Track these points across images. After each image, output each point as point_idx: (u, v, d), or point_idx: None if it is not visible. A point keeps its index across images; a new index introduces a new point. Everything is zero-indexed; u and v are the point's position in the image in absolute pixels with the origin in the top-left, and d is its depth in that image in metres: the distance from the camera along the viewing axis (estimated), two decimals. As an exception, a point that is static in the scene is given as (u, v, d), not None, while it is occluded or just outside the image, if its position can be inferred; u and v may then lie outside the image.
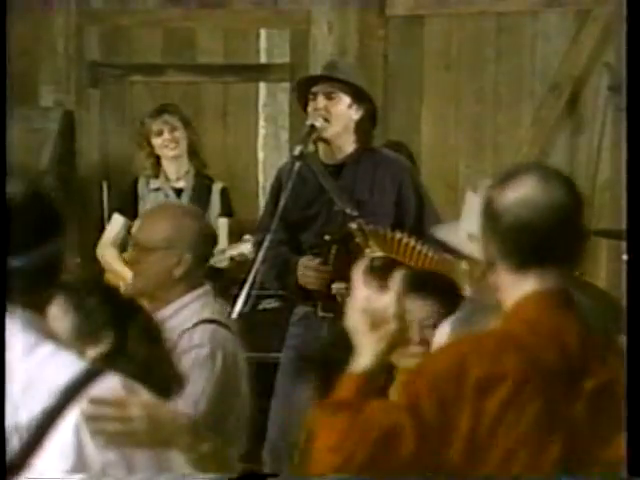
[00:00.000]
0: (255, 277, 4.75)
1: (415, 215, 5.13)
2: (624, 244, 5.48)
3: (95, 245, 6.16)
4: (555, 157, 6.67)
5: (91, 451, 2.21)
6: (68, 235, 5.83)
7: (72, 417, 2.20)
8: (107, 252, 5.91)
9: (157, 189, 5.97)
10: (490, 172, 6.61)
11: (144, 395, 2.34)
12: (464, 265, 4.56)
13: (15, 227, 2.22)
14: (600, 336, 2.89)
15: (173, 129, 5.99)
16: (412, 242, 4.94)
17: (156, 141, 5.98)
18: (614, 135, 6.49)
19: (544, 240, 2.65)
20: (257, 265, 4.80)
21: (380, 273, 2.90)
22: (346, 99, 5.08)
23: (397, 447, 2.50)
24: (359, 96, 5.12)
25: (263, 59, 7.08)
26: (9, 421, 2.18)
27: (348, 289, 4.56)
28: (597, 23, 6.60)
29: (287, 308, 5.29)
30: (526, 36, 6.73)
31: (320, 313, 4.95)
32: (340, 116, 5.06)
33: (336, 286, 4.72)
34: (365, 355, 2.59)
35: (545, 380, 2.60)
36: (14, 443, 2.17)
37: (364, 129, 5.16)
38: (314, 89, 5.11)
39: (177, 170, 6.03)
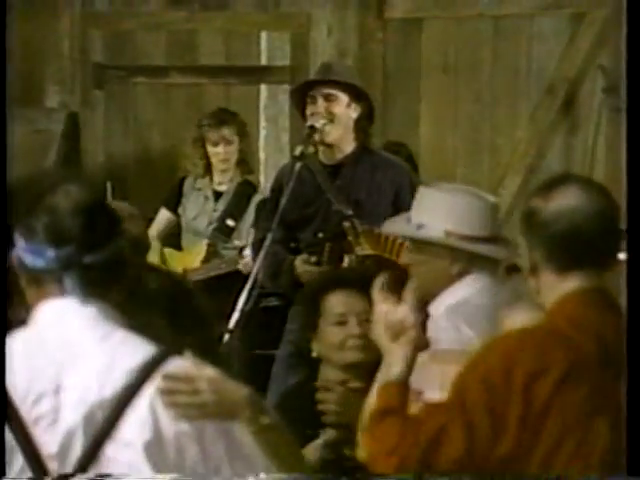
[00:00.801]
0: (257, 276, 4.77)
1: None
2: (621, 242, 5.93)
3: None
4: (551, 157, 6.72)
5: (165, 423, 2.42)
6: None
7: (147, 393, 2.41)
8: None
9: (199, 189, 6.01)
10: (487, 171, 6.80)
11: (210, 371, 2.52)
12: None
13: (88, 227, 2.42)
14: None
15: (229, 143, 5.99)
16: (399, 240, 4.88)
17: (211, 150, 6.00)
18: (609, 136, 6.51)
19: (587, 244, 2.83)
20: (258, 264, 4.81)
21: (394, 287, 2.93)
22: (344, 98, 5.09)
23: (449, 445, 2.64)
24: (356, 94, 5.13)
25: (264, 61, 7.08)
26: (93, 399, 2.39)
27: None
28: (592, 26, 6.62)
29: (288, 306, 5.29)
30: (522, 39, 6.73)
31: None
32: (341, 116, 5.08)
33: None
34: (396, 364, 2.77)
35: (589, 371, 2.74)
36: (98, 417, 2.38)
37: (362, 127, 5.16)
38: (312, 92, 5.13)
39: (223, 176, 6.06)
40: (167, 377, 2.46)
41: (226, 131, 6.05)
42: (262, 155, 6.96)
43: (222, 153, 6.06)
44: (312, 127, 5.03)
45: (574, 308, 2.84)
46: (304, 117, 5.19)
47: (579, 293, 2.87)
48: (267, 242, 4.82)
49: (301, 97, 5.22)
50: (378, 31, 6.88)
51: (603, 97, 6.46)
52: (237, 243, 5.98)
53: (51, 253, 2.43)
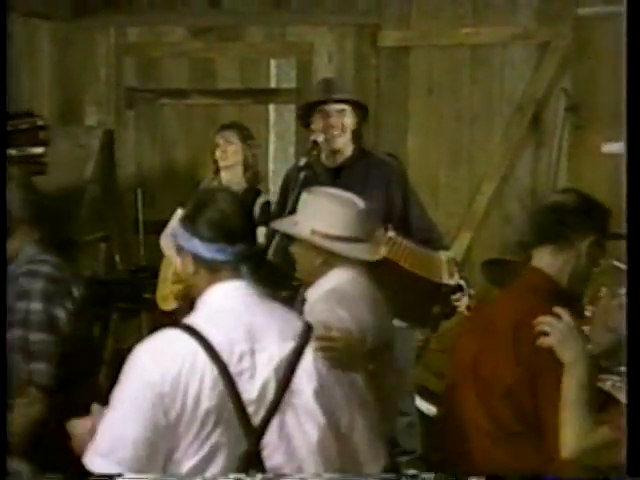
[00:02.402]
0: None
1: (401, 206, 5.10)
2: None
3: (130, 243, 6.27)
4: (520, 167, 6.76)
5: (325, 373, 2.82)
6: (111, 233, 5.91)
7: (309, 351, 2.80)
8: (165, 241, 5.85)
9: None
10: (466, 179, 6.82)
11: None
12: (442, 256, 4.71)
13: (248, 226, 2.87)
14: None
15: (228, 143, 5.92)
16: (399, 240, 4.77)
17: (216, 152, 5.94)
18: (570, 149, 6.58)
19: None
20: (269, 257, 4.67)
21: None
22: (345, 112, 5.09)
23: None
24: (354, 106, 5.13)
25: (273, 84, 7.07)
26: (276, 359, 2.76)
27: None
28: (555, 54, 6.66)
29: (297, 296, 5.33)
30: (496, 65, 6.77)
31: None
32: (348, 127, 5.07)
33: None
34: None
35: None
36: (279, 373, 2.74)
37: (359, 133, 5.17)
38: (318, 109, 5.10)
39: (230, 179, 5.92)
40: (319, 338, 2.86)
41: (226, 132, 5.98)
42: (271, 165, 6.97)
43: (223, 150, 5.94)
44: (315, 142, 5.00)
45: None
46: (308, 129, 5.19)
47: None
48: (277, 238, 4.64)
49: (306, 114, 5.20)
50: (372, 58, 6.91)
51: (565, 116, 6.48)
52: None
53: (229, 249, 2.80)
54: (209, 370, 2.66)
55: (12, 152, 6.30)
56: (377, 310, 3.50)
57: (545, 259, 3.36)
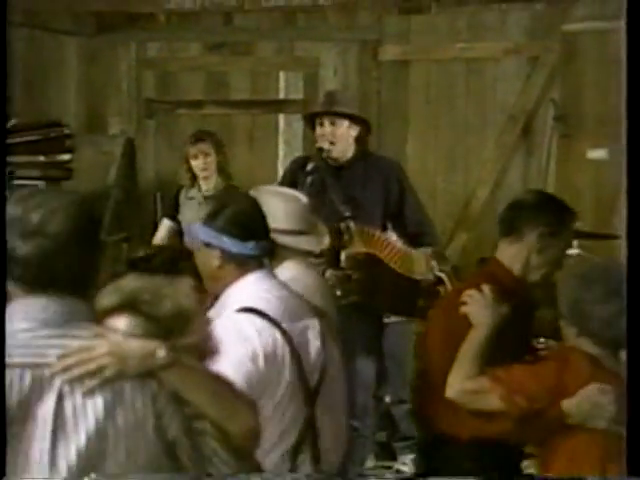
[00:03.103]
0: None
1: (397, 201, 5.15)
2: (573, 242, 5.30)
3: (149, 244, 6.26)
4: (512, 173, 6.74)
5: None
6: (132, 234, 5.96)
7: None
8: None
9: (192, 198, 5.92)
10: (461, 184, 6.80)
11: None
12: (422, 253, 4.94)
13: (265, 224, 3.07)
14: None
15: (206, 155, 5.96)
16: (385, 238, 4.89)
17: (193, 162, 5.97)
18: (558, 156, 6.53)
19: None
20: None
21: None
22: (345, 122, 5.16)
23: None
24: (355, 118, 5.20)
25: (282, 95, 7.10)
26: None
27: (337, 277, 4.60)
28: (544, 68, 6.64)
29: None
30: (489, 78, 6.75)
31: None
32: (342, 136, 5.14)
33: (328, 273, 4.63)
34: None
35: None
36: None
37: (361, 140, 5.23)
38: (320, 119, 5.20)
39: (207, 184, 5.98)
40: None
41: (202, 145, 5.98)
42: (280, 170, 6.76)
43: (202, 163, 5.96)
44: (320, 148, 5.12)
45: None
46: (315, 135, 5.24)
47: None
48: None
49: (312, 121, 5.28)
50: (374, 71, 6.92)
51: (553, 125, 6.46)
52: None
53: (255, 245, 2.98)
54: (284, 348, 2.81)
55: (41, 159, 6.43)
56: (328, 298, 3.58)
57: (504, 250, 3.54)
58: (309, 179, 5.03)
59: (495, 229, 6.87)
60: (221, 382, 2.28)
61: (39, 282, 2.15)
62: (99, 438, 2.07)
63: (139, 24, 7.23)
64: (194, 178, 6.02)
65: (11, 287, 2.16)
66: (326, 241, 4.01)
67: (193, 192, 5.99)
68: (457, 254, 6.49)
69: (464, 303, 3.18)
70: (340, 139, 5.15)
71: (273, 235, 3.59)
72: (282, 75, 7.10)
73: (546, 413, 2.96)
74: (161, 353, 2.15)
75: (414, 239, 5.04)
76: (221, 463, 2.18)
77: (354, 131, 5.17)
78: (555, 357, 3.19)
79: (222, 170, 6.01)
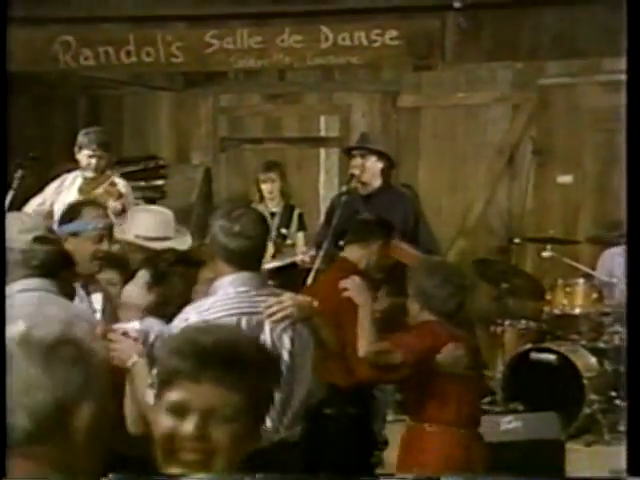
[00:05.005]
0: (317, 269, 4.71)
1: (413, 225, 5.12)
2: (546, 246, 5.78)
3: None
4: (500, 193, 6.78)
5: None
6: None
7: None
8: None
9: None
10: (460, 202, 6.79)
11: None
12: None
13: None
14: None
15: (273, 182, 6.00)
16: (405, 248, 4.84)
17: (262, 186, 6.02)
18: (535, 180, 6.57)
19: None
20: (319, 260, 4.75)
21: None
22: (373, 157, 5.15)
23: None
24: (381, 154, 5.19)
25: (322, 134, 7.15)
26: None
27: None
28: (524, 112, 6.71)
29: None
30: (482, 120, 6.80)
31: None
32: (370, 168, 5.12)
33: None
34: None
35: None
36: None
37: (385, 172, 5.19)
38: (353, 152, 5.23)
39: (272, 202, 6.01)
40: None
41: (271, 174, 5.96)
42: (322, 192, 7.01)
43: (269, 188, 5.94)
44: (352, 175, 5.14)
45: None
46: (349, 165, 5.22)
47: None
48: (325, 244, 4.77)
49: (347, 154, 5.33)
50: (393, 115, 6.95)
51: (532, 157, 6.53)
52: (289, 242, 5.84)
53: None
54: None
55: (141, 183, 6.52)
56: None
57: (352, 252, 4.07)
58: (343, 198, 5.08)
59: (486, 237, 7.00)
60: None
61: (243, 263, 2.77)
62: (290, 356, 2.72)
63: (215, 81, 7.25)
64: (262, 198, 6.06)
65: (224, 267, 2.77)
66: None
67: (260, 208, 5.77)
68: (457, 256, 6.56)
69: (346, 289, 3.34)
70: (368, 169, 5.12)
71: (143, 241, 3.62)
72: (323, 118, 7.14)
73: (426, 364, 3.22)
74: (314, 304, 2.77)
75: (423, 250, 5.03)
76: None
77: (380, 164, 5.16)
78: (422, 326, 3.35)
79: (284, 194, 6.06)
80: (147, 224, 3.79)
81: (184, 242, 3.85)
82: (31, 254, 2.73)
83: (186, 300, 2.83)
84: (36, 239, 2.80)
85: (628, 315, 2.24)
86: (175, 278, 2.91)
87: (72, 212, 3.39)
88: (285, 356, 2.77)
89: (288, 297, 2.83)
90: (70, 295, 2.87)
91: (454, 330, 3.36)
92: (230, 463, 1.45)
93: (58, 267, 2.78)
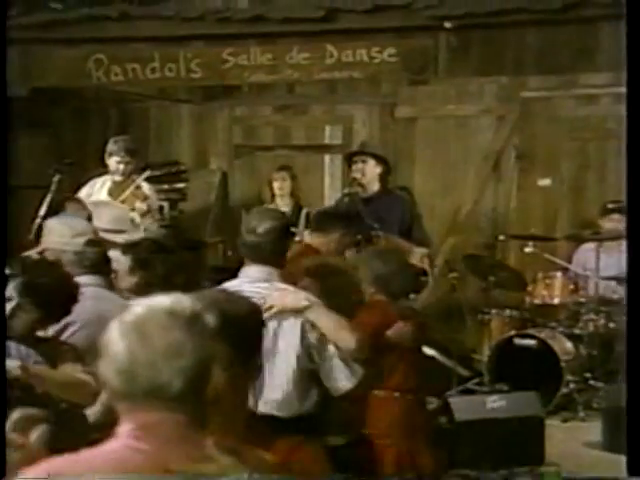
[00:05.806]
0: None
1: (409, 224, 5.19)
2: (528, 243, 5.80)
3: (238, 244, 6.47)
4: (486, 195, 6.75)
5: None
6: (226, 238, 6.09)
7: None
8: None
9: None
10: (451, 204, 6.75)
11: None
12: (417, 251, 4.99)
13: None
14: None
15: (284, 180, 6.03)
16: (400, 241, 4.95)
17: (274, 184, 6.04)
18: (518, 183, 6.61)
19: None
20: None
21: None
22: (372, 162, 5.23)
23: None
24: (379, 159, 5.26)
25: (327, 142, 7.15)
26: None
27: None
28: (508, 122, 6.71)
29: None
30: (471, 129, 6.80)
31: None
32: (369, 172, 5.20)
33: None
34: None
35: None
36: None
37: (383, 177, 5.25)
38: (354, 158, 5.32)
39: (283, 200, 6.01)
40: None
41: (283, 173, 6.00)
42: (326, 193, 7.01)
43: (280, 186, 5.95)
44: (353, 178, 5.24)
45: None
46: (350, 170, 5.30)
47: None
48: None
49: (349, 159, 5.40)
50: (391, 125, 6.95)
51: (515, 162, 6.56)
52: (297, 239, 5.72)
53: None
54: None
55: (164, 187, 6.55)
56: None
57: (315, 239, 4.08)
58: (345, 199, 5.18)
59: (474, 234, 7.08)
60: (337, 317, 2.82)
61: (254, 256, 2.86)
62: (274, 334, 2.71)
63: (230, 94, 7.28)
64: (273, 197, 6.08)
65: (245, 259, 2.89)
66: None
67: (272, 206, 5.93)
68: (448, 251, 6.61)
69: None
70: (368, 174, 5.20)
71: (103, 233, 3.56)
72: (327, 128, 7.15)
73: (377, 338, 3.23)
74: (309, 298, 2.73)
75: (417, 245, 5.15)
76: None
77: (378, 169, 5.24)
78: (374, 305, 3.38)
79: (293, 194, 6.09)
80: (101, 216, 3.85)
81: (133, 235, 3.89)
82: (83, 255, 2.96)
83: (170, 283, 2.95)
84: (88, 242, 3.01)
85: (628, 314, 2.23)
86: (157, 263, 3.05)
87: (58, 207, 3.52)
88: (270, 332, 2.76)
89: (285, 292, 2.81)
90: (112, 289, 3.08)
91: (403, 309, 3.45)
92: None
93: (104, 266, 3.03)
